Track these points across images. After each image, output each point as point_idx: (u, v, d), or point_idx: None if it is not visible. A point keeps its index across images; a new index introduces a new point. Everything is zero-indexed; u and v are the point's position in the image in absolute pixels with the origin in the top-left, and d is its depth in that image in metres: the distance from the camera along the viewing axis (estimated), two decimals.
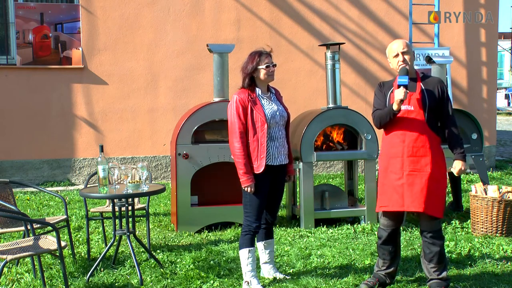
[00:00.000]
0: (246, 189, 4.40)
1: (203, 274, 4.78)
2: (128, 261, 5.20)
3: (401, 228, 6.18)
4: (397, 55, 4.28)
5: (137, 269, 4.76)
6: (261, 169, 4.39)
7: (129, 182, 4.77)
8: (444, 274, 4.33)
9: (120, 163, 8.84)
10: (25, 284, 4.68)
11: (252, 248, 4.47)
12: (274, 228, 5.43)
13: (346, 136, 6.74)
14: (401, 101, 4.18)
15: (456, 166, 4.35)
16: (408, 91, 4.19)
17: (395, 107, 4.21)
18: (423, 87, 4.28)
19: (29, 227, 4.66)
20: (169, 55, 9.86)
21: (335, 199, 6.65)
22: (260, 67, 4.42)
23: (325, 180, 9.50)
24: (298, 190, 6.74)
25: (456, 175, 4.39)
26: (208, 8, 9.96)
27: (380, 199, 4.39)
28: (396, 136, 4.30)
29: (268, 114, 4.43)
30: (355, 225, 6.43)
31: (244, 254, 4.47)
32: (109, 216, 5.66)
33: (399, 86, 4.20)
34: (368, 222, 6.49)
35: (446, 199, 7.77)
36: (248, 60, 4.46)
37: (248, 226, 4.47)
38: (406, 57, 4.26)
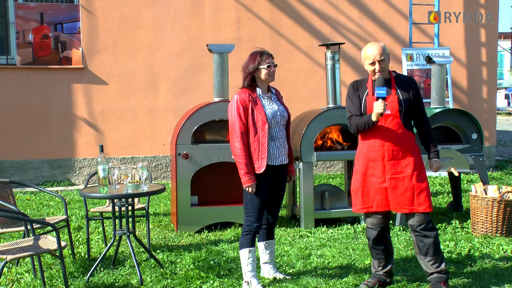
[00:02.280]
0: (247, 189, 4.40)
1: (203, 274, 4.78)
2: (128, 261, 5.20)
3: (401, 227, 6.19)
4: (373, 63, 4.26)
5: (137, 269, 4.76)
6: (262, 169, 4.39)
7: (129, 182, 4.76)
8: (442, 266, 4.31)
9: (120, 163, 8.84)
10: (25, 284, 4.68)
11: (252, 248, 4.47)
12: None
13: (346, 136, 6.74)
14: (381, 114, 4.21)
15: (434, 164, 4.42)
16: (386, 103, 4.21)
17: (374, 118, 4.24)
18: (398, 90, 4.31)
19: (29, 227, 4.66)
20: (169, 55, 9.86)
21: (335, 199, 6.65)
22: (261, 66, 4.43)
23: (325, 180, 9.50)
24: (298, 190, 6.74)
25: (434, 171, 4.43)
26: (208, 8, 9.96)
27: (363, 200, 4.39)
28: (375, 141, 4.33)
29: (269, 114, 4.44)
30: (355, 225, 6.43)
31: (244, 254, 4.47)
32: (109, 216, 5.66)
33: (377, 99, 4.21)
34: None
35: (446, 199, 7.80)
36: (249, 59, 4.47)
37: (248, 226, 4.47)
38: (383, 64, 4.25)
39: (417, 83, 4.44)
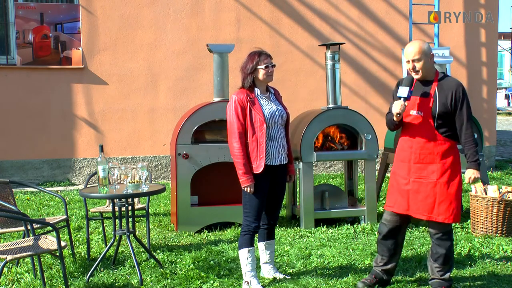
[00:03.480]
0: (245, 189, 4.40)
1: (203, 274, 4.78)
2: (128, 261, 5.20)
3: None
4: (408, 61, 4.21)
5: (137, 269, 4.76)
6: (260, 169, 4.39)
7: (129, 182, 4.76)
8: (447, 275, 4.32)
9: (120, 163, 8.84)
10: (25, 284, 4.68)
11: (251, 248, 4.47)
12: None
13: (346, 136, 6.74)
14: (399, 114, 4.17)
15: (467, 175, 4.23)
16: (406, 104, 4.16)
17: (394, 118, 4.22)
18: (436, 92, 4.17)
19: (29, 227, 4.66)
20: (169, 55, 9.86)
21: (335, 199, 6.65)
22: (259, 67, 4.42)
23: (325, 180, 9.50)
24: (298, 190, 6.74)
25: (467, 183, 4.27)
26: (208, 8, 9.96)
27: (387, 199, 4.43)
28: (405, 141, 4.30)
29: (267, 114, 4.44)
30: (355, 225, 6.43)
31: (243, 254, 4.47)
32: (109, 216, 5.66)
33: (399, 98, 4.18)
34: (368, 222, 6.49)
35: None
36: (247, 60, 4.47)
37: (247, 226, 4.47)
38: (417, 64, 4.16)
39: (463, 90, 4.16)
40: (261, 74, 4.43)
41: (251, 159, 4.41)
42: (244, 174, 4.37)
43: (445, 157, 4.17)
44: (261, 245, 4.73)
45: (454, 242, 5.57)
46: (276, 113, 4.49)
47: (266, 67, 4.43)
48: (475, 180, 4.22)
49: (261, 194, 4.44)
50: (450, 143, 4.22)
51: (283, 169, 4.59)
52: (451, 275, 4.39)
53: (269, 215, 4.65)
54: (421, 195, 4.20)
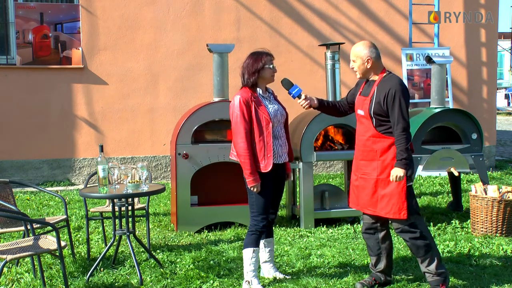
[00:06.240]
0: (252, 189, 4.40)
1: (203, 274, 4.78)
2: (128, 261, 5.20)
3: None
4: None
5: (137, 269, 4.76)
6: (269, 168, 4.41)
7: (129, 182, 4.77)
8: (432, 266, 4.28)
9: (120, 163, 8.84)
10: (25, 284, 4.68)
11: (256, 248, 4.47)
12: (274, 228, 5.44)
13: (346, 136, 6.75)
14: (311, 107, 4.58)
15: (391, 173, 4.20)
16: (300, 100, 4.47)
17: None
18: (375, 92, 4.27)
19: (29, 227, 4.66)
20: (169, 55, 9.87)
21: (335, 199, 6.66)
22: (267, 66, 4.46)
23: (325, 180, 9.50)
24: (298, 190, 6.74)
25: (391, 180, 4.23)
26: (208, 8, 9.96)
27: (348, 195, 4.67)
28: (356, 139, 4.49)
29: (271, 113, 4.47)
30: (355, 225, 6.43)
31: (248, 254, 4.47)
32: (109, 216, 5.65)
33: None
34: None
35: (446, 199, 7.79)
36: (254, 59, 4.47)
37: (255, 226, 4.47)
38: (353, 64, 4.36)
39: (398, 90, 4.18)
40: (268, 73, 4.46)
41: (259, 159, 4.42)
42: (251, 174, 4.37)
43: (385, 154, 4.26)
44: (260, 244, 4.72)
45: (454, 242, 5.59)
46: (278, 112, 4.54)
47: (272, 66, 4.49)
48: (399, 179, 4.18)
49: (267, 193, 4.46)
50: (392, 140, 4.25)
51: (284, 167, 4.65)
52: (440, 267, 4.30)
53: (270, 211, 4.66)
54: (366, 191, 4.36)
